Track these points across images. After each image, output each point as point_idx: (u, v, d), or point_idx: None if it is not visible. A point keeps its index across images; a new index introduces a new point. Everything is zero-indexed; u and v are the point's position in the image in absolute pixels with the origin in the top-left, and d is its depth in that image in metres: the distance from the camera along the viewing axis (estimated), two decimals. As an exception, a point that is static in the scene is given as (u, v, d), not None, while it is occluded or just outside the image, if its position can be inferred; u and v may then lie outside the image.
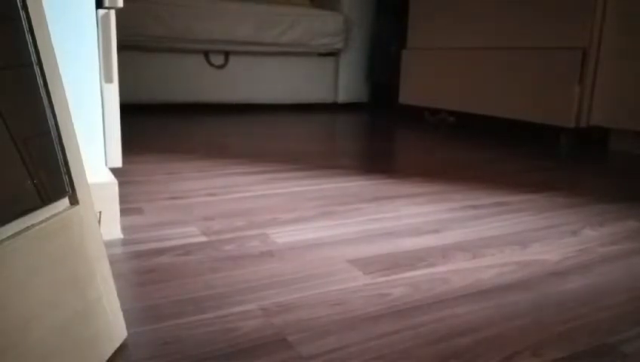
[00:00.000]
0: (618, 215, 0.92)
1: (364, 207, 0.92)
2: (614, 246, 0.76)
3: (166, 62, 2.30)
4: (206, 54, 2.38)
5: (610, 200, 1.02)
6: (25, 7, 0.40)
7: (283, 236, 0.76)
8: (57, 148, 0.42)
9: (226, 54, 2.43)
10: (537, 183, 1.15)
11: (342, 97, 2.77)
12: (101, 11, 0.77)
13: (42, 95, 0.41)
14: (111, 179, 0.73)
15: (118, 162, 0.80)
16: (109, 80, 0.79)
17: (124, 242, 0.72)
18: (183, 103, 2.39)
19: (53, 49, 0.43)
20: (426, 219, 0.86)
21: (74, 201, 0.43)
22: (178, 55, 2.31)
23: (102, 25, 0.77)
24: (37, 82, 0.40)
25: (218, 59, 2.41)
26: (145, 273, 0.63)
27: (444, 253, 0.71)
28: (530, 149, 1.63)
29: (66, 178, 0.42)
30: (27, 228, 0.37)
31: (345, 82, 2.76)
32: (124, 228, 0.78)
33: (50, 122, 0.41)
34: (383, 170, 1.24)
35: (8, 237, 0.35)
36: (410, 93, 2.37)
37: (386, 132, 1.95)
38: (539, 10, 1.74)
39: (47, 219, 0.39)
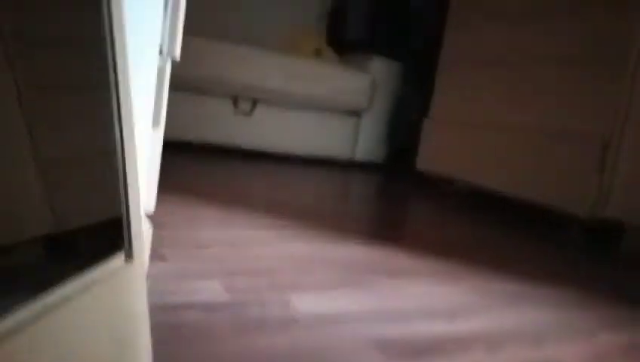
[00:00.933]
0: (634, 318, 0.90)
1: (378, 280, 0.92)
2: (635, 351, 0.74)
3: (194, 103, 2.35)
4: (234, 100, 2.43)
5: (625, 301, 1.01)
6: (111, 32, 0.41)
7: (304, 303, 0.76)
8: (122, 193, 0.42)
9: (254, 102, 2.48)
10: (552, 273, 1.14)
11: (359, 156, 2.80)
12: (160, 60, 0.79)
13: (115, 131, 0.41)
14: (146, 224, 0.74)
15: (151, 206, 0.81)
16: (156, 124, 0.81)
17: (148, 292, 0.72)
18: (208, 144, 2.42)
19: (129, 81, 0.44)
20: (439, 301, 0.85)
21: (129, 255, 0.43)
22: (206, 98, 2.36)
23: (158, 73, 0.79)
24: (113, 120, 0.41)
25: (245, 106, 2.46)
26: (169, 329, 0.62)
27: (460, 341, 0.70)
28: (543, 232, 1.63)
29: (125, 230, 0.43)
30: (81, 285, 0.37)
31: (364, 142, 2.80)
32: (147, 276, 0.78)
33: (119, 163, 0.42)
34: (396, 239, 1.24)
35: (62, 295, 0.35)
36: (427, 160, 2.39)
37: (401, 197, 1.96)
38: (564, 93, 1.79)
39: (102, 275, 0.40)
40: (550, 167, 1.80)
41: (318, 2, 2.95)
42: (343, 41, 2.95)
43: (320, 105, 2.60)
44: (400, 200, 1.89)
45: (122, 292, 0.41)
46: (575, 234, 1.75)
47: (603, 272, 1.24)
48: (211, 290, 0.75)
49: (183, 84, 2.27)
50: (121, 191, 0.42)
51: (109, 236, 0.41)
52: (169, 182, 1.52)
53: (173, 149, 2.33)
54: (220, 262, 0.88)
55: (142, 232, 0.45)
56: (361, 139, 2.78)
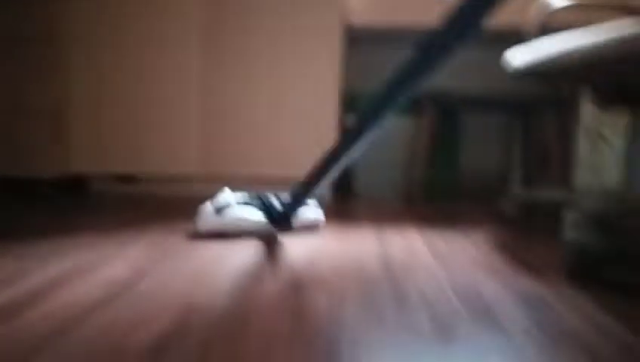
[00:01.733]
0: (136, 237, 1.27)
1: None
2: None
3: None
4: None
5: (124, 229, 1.36)
6: None
7: None
8: None
9: None
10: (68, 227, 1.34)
11: None
12: None
13: None
14: None
15: None
16: None
17: None
18: None
19: None
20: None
21: None
22: None
23: None
24: None
25: None
26: None
27: (54, 282, 0.86)
28: (11, 203, 1.73)
29: None
30: None
31: None
32: None
33: None
34: None
35: None
36: None
37: None
38: (15, 71, 1.90)
39: None
40: (16, 142, 1.91)
41: None
42: None
43: None
44: None
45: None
46: (48, 191, 1.97)
47: (82, 213, 1.54)
48: None
49: None
50: None
51: None
52: None
53: None
54: None
55: None
56: None
